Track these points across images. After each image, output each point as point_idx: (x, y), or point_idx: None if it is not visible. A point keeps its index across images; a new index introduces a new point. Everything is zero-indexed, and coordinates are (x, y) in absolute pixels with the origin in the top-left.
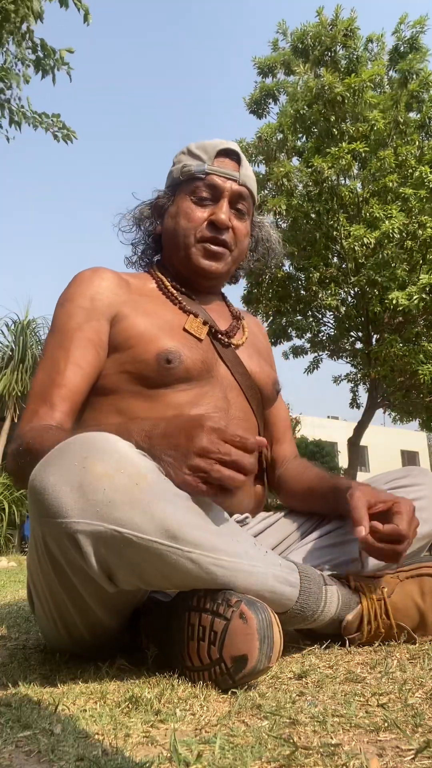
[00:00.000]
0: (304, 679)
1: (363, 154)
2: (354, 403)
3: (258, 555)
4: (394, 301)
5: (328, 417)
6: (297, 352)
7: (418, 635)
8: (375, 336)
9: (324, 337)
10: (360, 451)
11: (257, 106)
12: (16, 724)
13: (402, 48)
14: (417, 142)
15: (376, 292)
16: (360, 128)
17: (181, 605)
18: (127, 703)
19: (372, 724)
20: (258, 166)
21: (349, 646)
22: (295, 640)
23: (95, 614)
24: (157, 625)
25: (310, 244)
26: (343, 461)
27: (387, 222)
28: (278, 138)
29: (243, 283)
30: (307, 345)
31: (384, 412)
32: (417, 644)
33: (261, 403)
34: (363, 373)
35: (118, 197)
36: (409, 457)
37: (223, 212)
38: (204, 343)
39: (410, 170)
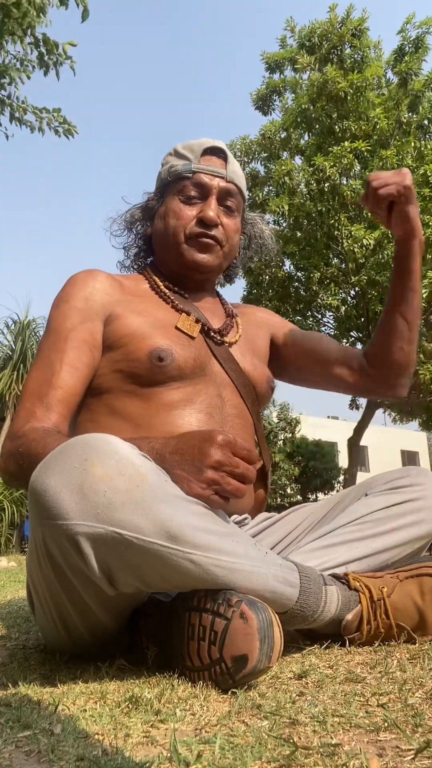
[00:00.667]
0: (304, 679)
1: (365, 153)
2: (354, 403)
3: (258, 555)
4: None
5: (328, 417)
6: None
7: (418, 635)
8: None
9: None
10: (360, 451)
11: (263, 103)
12: (16, 724)
13: (407, 48)
14: (413, 143)
15: (376, 293)
16: (363, 126)
17: (181, 605)
18: (127, 703)
19: (372, 724)
20: (261, 164)
21: (349, 646)
22: (295, 640)
23: (95, 615)
24: (157, 625)
25: (310, 243)
26: (343, 461)
27: None
28: (282, 136)
29: (243, 283)
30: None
31: (384, 412)
32: (417, 644)
33: (256, 400)
34: None
35: (120, 196)
36: (409, 457)
37: (212, 209)
38: (197, 341)
39: (412, 170)
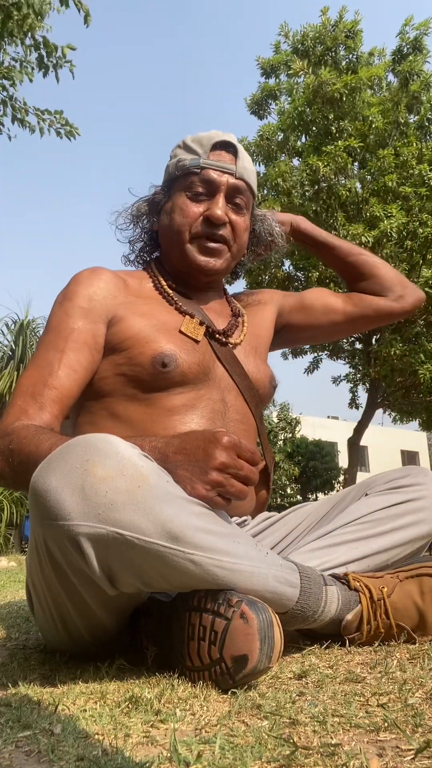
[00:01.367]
0: (304, 679)
1: (359, 150)
2: (353, 403)
3: (259, 556)
4: None
5: (328, 417)
6: (296, 352)
7: (418, 635)
8: (375, 336)
9: None
10: (360, 451)
11: (258, 107)
12: (16, 724)
13: (405, 49)
14: (414, 144)
15: None
16: (359, 127)
17: (181, 605)
18: (127, 703)
19: (372, 724)
20: (259, 165)
21: (349, 646)
22: (295, 640)
23: (96, 615)
24: (157, 625)
25: None
26: (343, 461)
27: (386, 221)
28: (279, 138)
29: (243, 283)
30: (307, 345)
31: (384, 412)
32: (417, 644)
33: (259, 403)
34: (363, 373)
35: (119, 196)
36: (409, 457)
37: (219, 207)
38: (201, 344)
39: (410, 170)
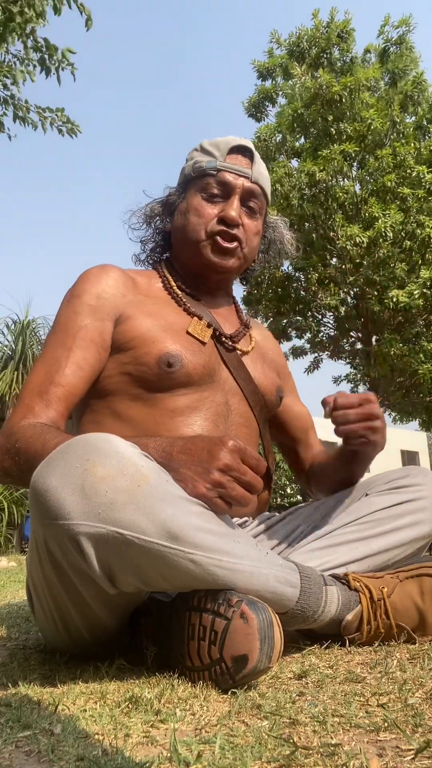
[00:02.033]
0: (304, 679)
1: (353, 155)
2: None
3: (259, 556)
4: (394, 299)
5: None
6: (297, 352)
7: (418, 635)
8: (375, 336)
9: (324, 338)
10: None
11: (255, 110)
12: (16, 724)
13: (391, 49)
14: (413, 143)
15: (375, 292)
16: (357, 128)
17: (181, 605)
18: (127, 703)
19: (372, 724)
20: None
21: (349, 646)
22: (295, 640)
23: (96, 614)
24: (157, 625)
25: (308, 244)
26: None
27: (381, 220)
28: (277, 139)
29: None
30: (307, 345)
31: (384, 412)
32: (417, 644)
33: (264, 408)
34: (363, 373)
35: (117, 196)
36: (409, 457)
37: (233, 209)
38: (207, 346)
39: (409, 170)
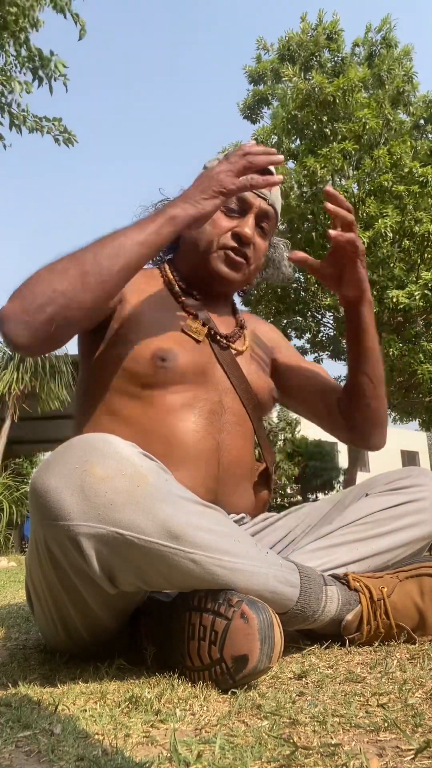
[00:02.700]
0: (304, 679)
1: (353, 153)
2: None
3: (259, 555)
4: (393, 300)
5: None
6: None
7: (418, 635)
8: None
9: (324, 338)
10: (360, 451)
11: (251, 112)
12: (16, 724)
13: (378, 51)
14: (409, 142)
15: (375, 292)
16: (352, 128)
17: (181, 605)
18: (127, 703)
19: (372, 724)
20: None
21: (349, 646)
22: (295, 640)
23: (96, 615)
24: (157, 625)
25: (307, 244)
26: (343, 461)
27: (380, 221)
28: (273, 141)
29: None
30: (307, 346)
31: None
32: (417, 644)
33: (258, 406)
34: None
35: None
36: (409, 457)
37: (249, 227)
38: (202, 345)
39: (405, 169)
